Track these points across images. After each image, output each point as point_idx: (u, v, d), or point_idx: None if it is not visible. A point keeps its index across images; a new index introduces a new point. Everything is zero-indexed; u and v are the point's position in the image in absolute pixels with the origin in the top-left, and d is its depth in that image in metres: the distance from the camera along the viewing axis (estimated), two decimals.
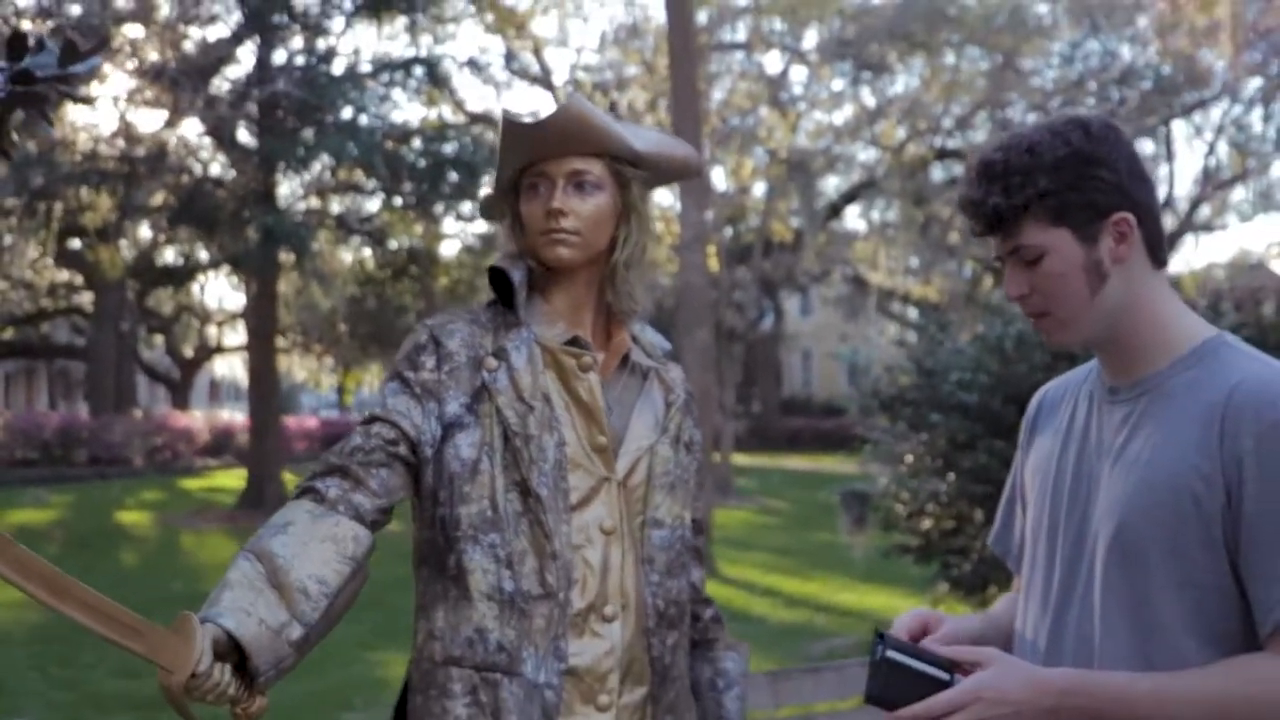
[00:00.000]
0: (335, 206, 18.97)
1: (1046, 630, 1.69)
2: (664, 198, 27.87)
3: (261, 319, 18.29)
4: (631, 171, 1.89)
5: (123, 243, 24.04)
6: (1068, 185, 1.59)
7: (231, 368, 57.38)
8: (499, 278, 1.90)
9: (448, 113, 25.87)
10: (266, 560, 1.61)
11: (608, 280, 1.91)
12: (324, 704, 6.63)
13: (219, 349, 46.14)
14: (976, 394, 7.06)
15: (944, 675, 1.57)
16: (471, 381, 1.82)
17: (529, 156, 1.86)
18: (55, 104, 3.47)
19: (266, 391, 18.20)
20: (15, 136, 3.68)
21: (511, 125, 1.83)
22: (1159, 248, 1.66)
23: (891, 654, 1.59)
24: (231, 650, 1.53)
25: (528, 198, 1.88)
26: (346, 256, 24.08)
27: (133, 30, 15.21)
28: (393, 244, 19.62)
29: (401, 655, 6.80)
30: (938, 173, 31.52)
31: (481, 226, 20.52)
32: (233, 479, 24.72)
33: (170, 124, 17.05)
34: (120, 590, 10.43)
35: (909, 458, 7.95)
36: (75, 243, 25.79)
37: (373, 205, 19.04)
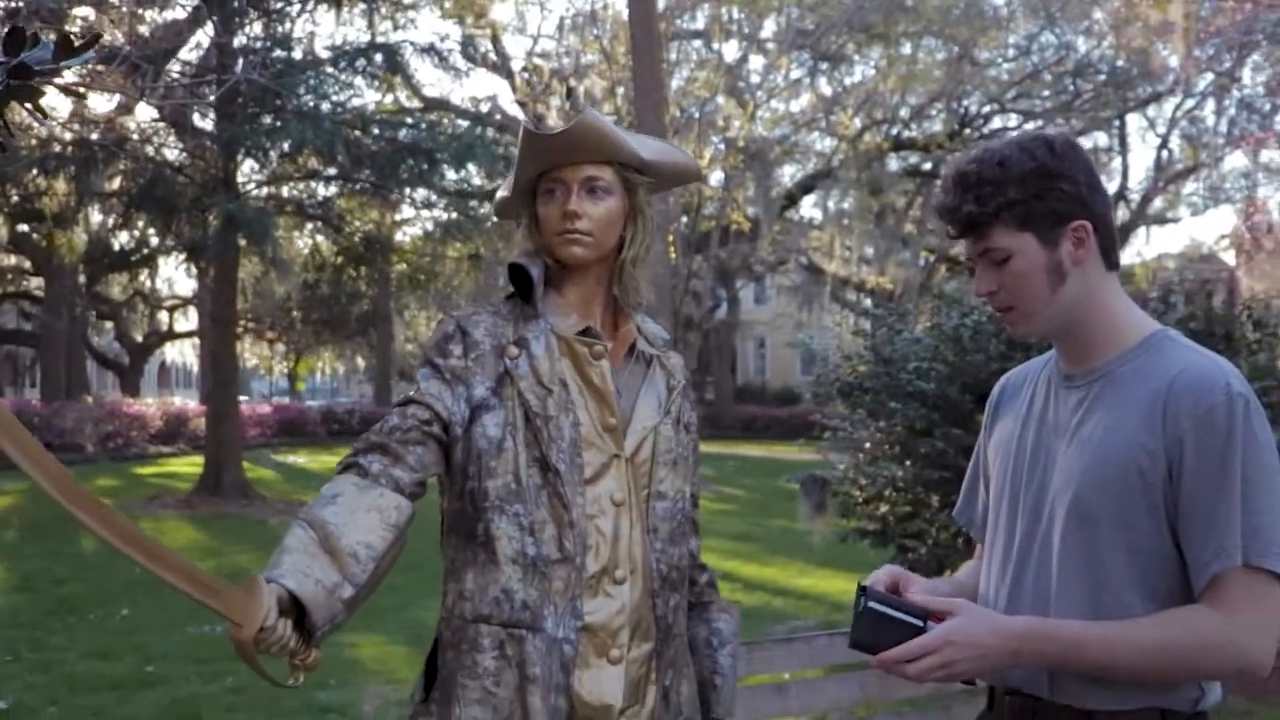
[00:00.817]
0: (294, 192, 18.87)
1: (1006, 588, 1.90)
2: None
3: (220, 305, 18.19)
4: (638, 178, 2.08)
5: (76, 229, 23.91)
6: (1033, 195, 1.80)
7: (182, 353, 57.00)
8: (518, 273, 2.08)
9: (404, 98, 25.87)
10: (319, 528, 1.78)
11: (616, 276, 2.10)
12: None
13: (169, 335, 45.76)
14: (934, 382, 7.24)
15: (919, 622, 1.77)
16: (495, 368, 2.00)
17: (546, 163, 2.04)
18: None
19: (225, 378, 18.09)
20: (9, 129, 3.79)
21: (531, 135, 2.01)
22: (1112, 251, 1.87)
23: (873, 604, 1.79)
24: (292, 608, 1.70)
25: (544, 201, 2.06)
26: (303, 242, 23.99)
27: (86, 12, 15.09)
28: (350, 230, 19.53)
29: (368, 638, 6.98)
30: (893, 163, 31.81)
31: (440, 214, 20.47)
32: (187, 465, 24.52)
33: (127, 109, 16.95)
34: (85, 575, 10.45)
35: (867, 444, 8.14)
36: (22, 227, 25.58)
37: (331, 191, 18.96)
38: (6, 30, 3.65)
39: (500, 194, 2.17)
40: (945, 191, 1.87)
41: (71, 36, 3.59)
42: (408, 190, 18.40)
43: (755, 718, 3.34)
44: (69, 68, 3.96)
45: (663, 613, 2.04)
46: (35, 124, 14.80)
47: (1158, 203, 35.28)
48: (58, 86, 3.88)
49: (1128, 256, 37.44)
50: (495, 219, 17.23)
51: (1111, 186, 35.94)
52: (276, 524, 15.36)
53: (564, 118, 26.29)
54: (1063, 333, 1.89)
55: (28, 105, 3.70)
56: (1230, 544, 1.68)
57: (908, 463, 7.61)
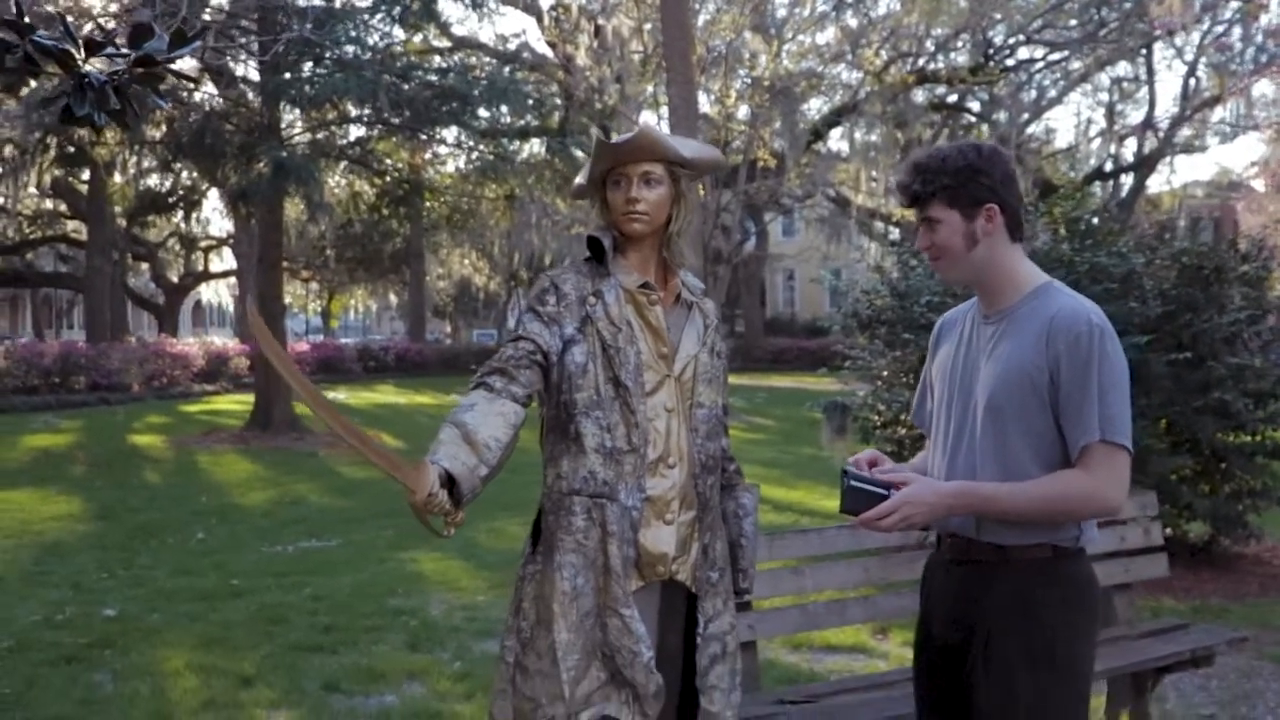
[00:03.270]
0: (333, 137, 19.36)
1: (945, 467, 2.68)
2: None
3: (267, 247, 18.80)
4: (680, 170, 2.80)
5: (117, 176, 24.55)
6: (960, 184, 2.56)
7: (217, 293, 57.71)
8: (594, 243, 2.81)
9: (433, 37, 26.25)
10: (461, 427, 2.51)
11: (665, 244, 2.83)
12: (371, 592, 7.51)
13: (205, 275, 46.40)
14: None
15: (885, 492, 2.51)
16: (579, 313, 2.73)
17: (614, 162, 2.76)
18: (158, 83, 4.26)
19: (272, 317, 18.65)
20: (136, 111, 4.50)
21: (603, 144, 2.73)
22: (1017, 229, 2.62)
23: (853, 482, 2.54)
24: (446, 481, 2.41)
25: (613, 189, 2.78)
26: (338, 183, 24.53)
27: None
28: (385, 171, 20.00)
29: (430, 554, 7.82)
30: (920, 95, 31.94)
31: (475, 154, 20.92)
32: (231, 403, 25.23)
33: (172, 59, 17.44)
34: (157, 505, 11.22)
35: (885, 373, 8.76)
36: (58, 172, 26.17)
37: (370, 134, 19.41)
38: (131, 25, 4.38)
39: (577, 181, 2.87)
40: (903, 174, 2.65)
41: (184, 30, 4.32)
42: (440, 131, 18.81)
43: (776, 594, 4.05)
44: (181, 56, 4.70)
45: (702, 489, 2.79)
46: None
47: (1185, 131, 35.22)
48: (173, 73, 4.58)
49: (1156, 185, 37.61)
50: (530, 162, 17.65)
51: (1138, 115, 36.07)
52: (325, 456, 16.09)
53: (592, 57, 26.68)
54: (977, 283, 2.66)
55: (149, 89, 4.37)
56: (1091, 426, 2.45)
57: None
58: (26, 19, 3.79)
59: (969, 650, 2.59)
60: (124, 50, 3.96)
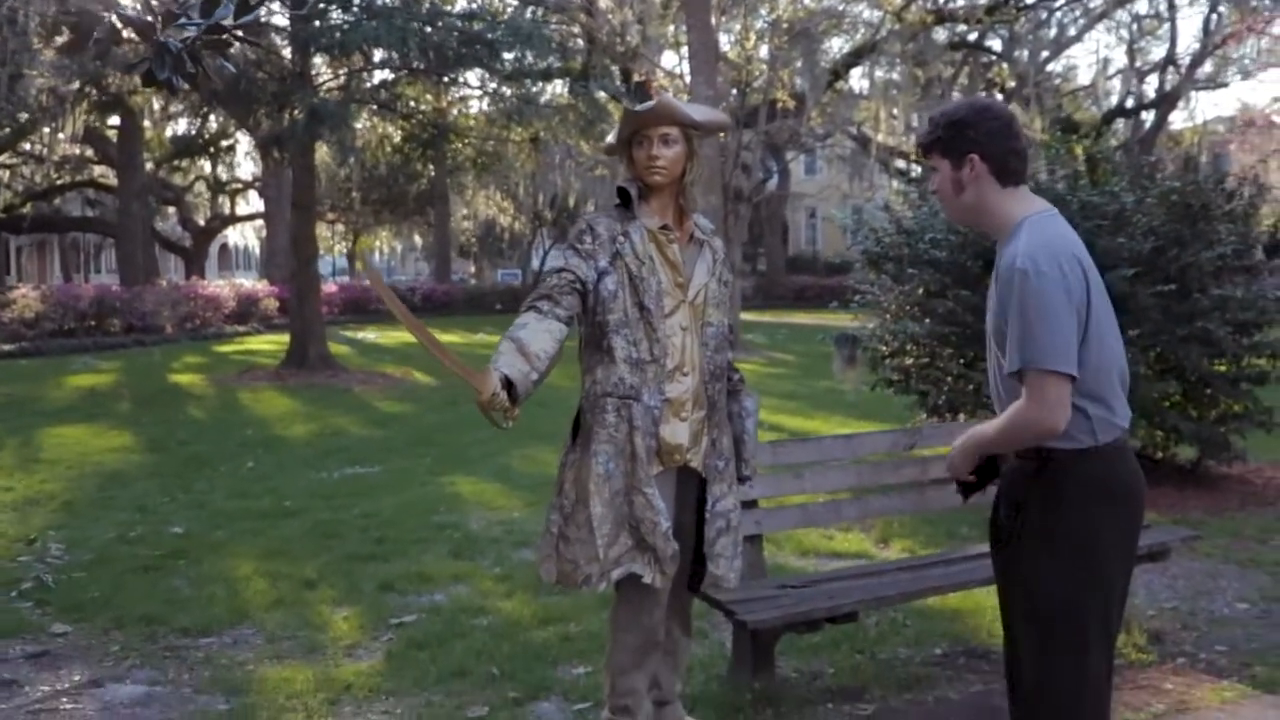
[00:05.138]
0: (361, 82, 19.67)
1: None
2: (674, 69, 28.57)
3: (300, 191, 19.22)
4: (693, 131, 3.40)
5: (146, 122, 24.99)
6: (949, 136, 2.93)
7: (243, 235, 58.25)
8: (623, 192, 3.40)
9: None
10: (516, 341, 3.11)
11: (681, 193, 3.43)
12: (415, 511, 8.14)
13: (233, 218, 46.90)
14: (947, 251, 8.29)
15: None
16: (610, 249, 3.33)
17: (639, 126, 3.36)
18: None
19: (306, 259, 19.11)
20: (206, 73, 5.08)
21: (629, 111, 3.32)
22: (1004, 175, 2.92)
23: None
24: (506, 384, 3.00)
25: (637, 148, 3.39)
26: (365, 126, 24.85)
27: None
28: (411, 114, 20.30)
29: (466, 479, 8.55)
30: (941, 34, 32.01)
31: (499, 96, 21.20)
32: (263, 343, 25.80)
33: (238, 26, 17.82)
34: (204, 438, 11.85)
35: (892, 306, 9.26)
36: (90, 118, 26.55)
37: (397, 78, 19.68)
38: None
39: (608, 140, 3.45)
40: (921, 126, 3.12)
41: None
42: (464, 74, 19.03)
43: (780, 494, 4.64)
44: (246, 24, 5.33)
45: (711, 393, 3.41)
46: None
47: (1207, 67, 35.17)
48: (238, 39, 5.19)
49: (1179, 121, 37.69)
50: (554, 105, 17.93)
51: (1159, 52, 36.12)
52: (360, 391, 16.69)
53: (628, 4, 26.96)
54: (974, 224, 3.03)
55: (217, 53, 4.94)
56: (1014, 358, 2.75)
57: (926, 321, 8.71)
58: None
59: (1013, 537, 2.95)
60: (196, 20, 4.50)
